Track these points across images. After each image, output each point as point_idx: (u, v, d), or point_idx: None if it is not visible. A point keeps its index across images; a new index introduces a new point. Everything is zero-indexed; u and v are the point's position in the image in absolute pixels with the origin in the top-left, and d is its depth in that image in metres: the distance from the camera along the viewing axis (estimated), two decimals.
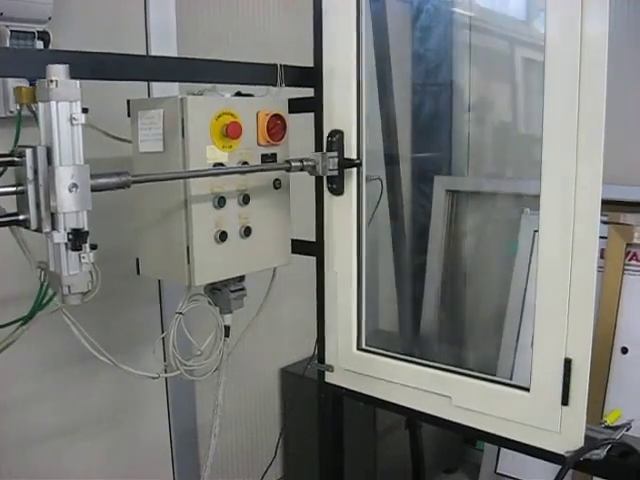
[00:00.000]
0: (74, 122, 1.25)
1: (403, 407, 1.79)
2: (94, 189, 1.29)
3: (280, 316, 2.94)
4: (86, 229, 1.29)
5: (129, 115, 1.78)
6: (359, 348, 1.88)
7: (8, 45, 1.85)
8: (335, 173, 1.80)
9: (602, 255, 2.66)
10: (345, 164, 1.81)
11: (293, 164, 1.72)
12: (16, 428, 2.20)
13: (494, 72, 3.40)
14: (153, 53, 2.35)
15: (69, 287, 1.31)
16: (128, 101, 1.79)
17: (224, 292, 1.88)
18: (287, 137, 1.85)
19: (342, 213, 1.85)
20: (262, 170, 1.81)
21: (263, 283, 2.05)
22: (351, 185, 1.83)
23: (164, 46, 2.38)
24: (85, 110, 1.26)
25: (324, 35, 1.82)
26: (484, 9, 3.43)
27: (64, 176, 1.23)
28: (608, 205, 2.32)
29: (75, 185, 1.24)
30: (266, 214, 1.85)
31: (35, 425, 2.25)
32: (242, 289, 1.91)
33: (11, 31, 1.87)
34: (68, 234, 1.27)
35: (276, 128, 1.82)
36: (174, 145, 1.66)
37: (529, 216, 2.82)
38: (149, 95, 2.31)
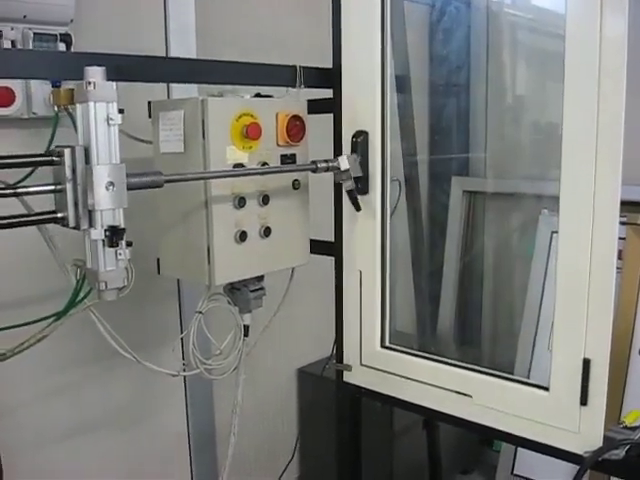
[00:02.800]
0: (111, 122, 1.28)
1: (421, 407, 1.80)
2: (129, 187, 1.32)
3: (298, 316, 2.95)
4: (122, 226, 1.32)
5: (150, 116, 1.80)
6: (383, 346, 1.89)
7: (31, 47, 1.89)
8: (360, 174, 1.81)
9: (620, 256, 2.64)
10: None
11: (319, 165, 1.73)
12: (34, 425, 2.23)
13: (512, 72, 3.39)
14: (173, 54, 2.38)
15: (106, 283, 1.34)
16: (149, 102, 1.81)
17: (243, 292, 1.89)
18: (306, 138, 1.86)
19: (367, 211, 1.86)
20: (287, 171, 1.83)
21: (282, 283, 2.07)
22: (376, 183, 1.84)
23: (184, 47, 2.40)
24: (121, 111, 1.29)
25: (344, 35, 1.82)
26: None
27: (101, 175, 1.27)
28: (627, 206, 2.31)
29: (112, 183, 1.27)
30: (285, 214, 1.87)
31: (53, 422, 2.28)
32: (261, 289, 1.92)
33: (34, 33, 1.90)
34: (105, 231, 1.30)
35: (295, 129, 1.82)
36: (195, 146, 1.67)
37: (547, 217, 2.81)
38: (168, 96, 2.33)
